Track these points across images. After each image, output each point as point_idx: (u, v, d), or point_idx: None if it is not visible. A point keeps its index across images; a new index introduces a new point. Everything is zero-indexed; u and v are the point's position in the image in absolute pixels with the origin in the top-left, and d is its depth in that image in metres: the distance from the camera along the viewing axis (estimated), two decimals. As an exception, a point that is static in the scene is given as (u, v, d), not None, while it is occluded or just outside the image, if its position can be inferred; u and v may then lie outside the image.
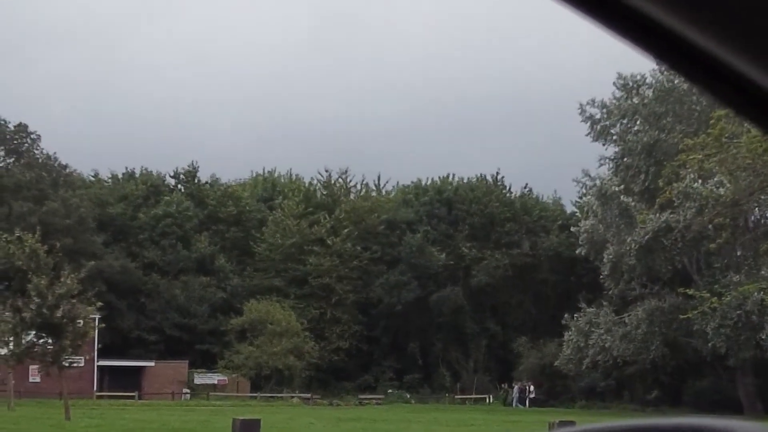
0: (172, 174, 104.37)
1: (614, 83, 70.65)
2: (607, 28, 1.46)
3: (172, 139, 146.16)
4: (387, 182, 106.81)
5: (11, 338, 49.70)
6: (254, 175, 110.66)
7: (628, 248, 65.14)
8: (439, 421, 56.02)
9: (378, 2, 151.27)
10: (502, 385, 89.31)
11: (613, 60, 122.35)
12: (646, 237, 62.92)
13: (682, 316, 63.98)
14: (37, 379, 68.48)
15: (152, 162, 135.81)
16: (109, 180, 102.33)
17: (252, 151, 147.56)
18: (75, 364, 55.21)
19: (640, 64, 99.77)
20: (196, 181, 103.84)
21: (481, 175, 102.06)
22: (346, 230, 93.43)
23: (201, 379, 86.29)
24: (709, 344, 63.45)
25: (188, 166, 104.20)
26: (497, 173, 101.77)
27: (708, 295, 60.78)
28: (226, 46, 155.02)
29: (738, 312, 60.89)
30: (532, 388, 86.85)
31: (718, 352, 65.09)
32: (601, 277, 72.79)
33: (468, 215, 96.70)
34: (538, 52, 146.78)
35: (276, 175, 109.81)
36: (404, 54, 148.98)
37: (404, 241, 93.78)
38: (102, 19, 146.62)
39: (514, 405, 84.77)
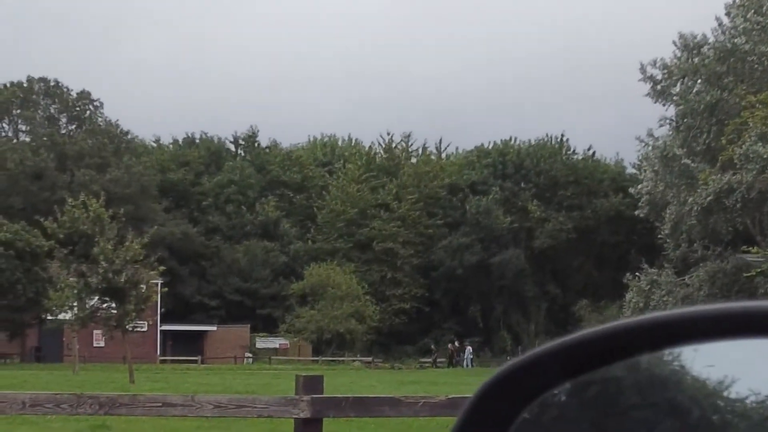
0: (231, 139, 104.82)
1: (674, 42, 69.61)
2: None
3: (228, 101, 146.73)
4: (448, 145, 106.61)
5: (75, 303, 50.27)
6: (312, 139, 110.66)
7: (689, 208, 64.48)
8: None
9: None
10: (449, 345, 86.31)
11: (675, 22, 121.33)
12: (708, 198, 62.17)
13: (746, 274, 63.26)
14: (102, 344, 69.40)
15: (209, 126, 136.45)
16: (170, 146, 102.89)
17: (309, 114, 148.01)
18: (138, 329, 55.84)
19: (701, 24, 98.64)
20: (256, 145, 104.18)
21: (547, 135, 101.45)
22: (411, 197, 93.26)
23: (263, 343, 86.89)
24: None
25: (248, 131, 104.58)
26: (562, 135, 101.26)
27: (771, 254, 59.95)
28: (288, 13, 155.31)
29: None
30: (470, 349, 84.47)
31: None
32: (660, 237, 72.21)
33: (535, 174, 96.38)
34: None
35: (335, 139, 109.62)
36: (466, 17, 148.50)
37: (469, 203, 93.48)
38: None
39: (465, 366, 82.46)
